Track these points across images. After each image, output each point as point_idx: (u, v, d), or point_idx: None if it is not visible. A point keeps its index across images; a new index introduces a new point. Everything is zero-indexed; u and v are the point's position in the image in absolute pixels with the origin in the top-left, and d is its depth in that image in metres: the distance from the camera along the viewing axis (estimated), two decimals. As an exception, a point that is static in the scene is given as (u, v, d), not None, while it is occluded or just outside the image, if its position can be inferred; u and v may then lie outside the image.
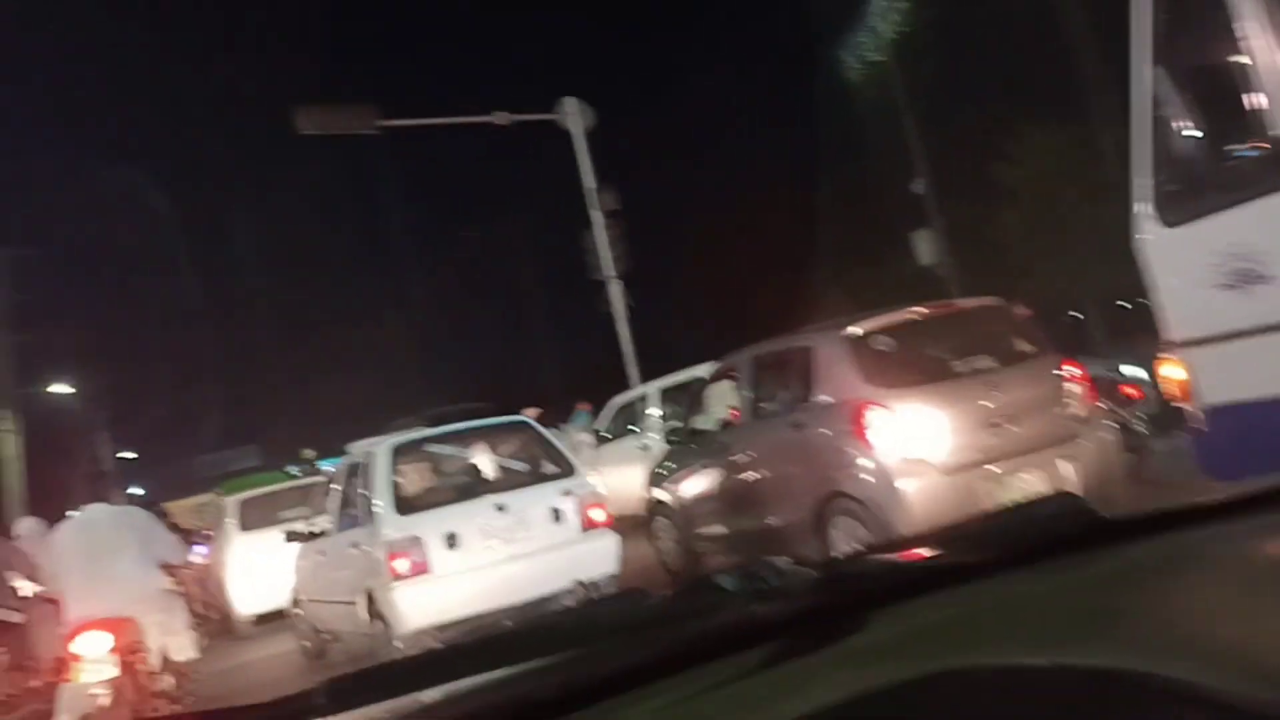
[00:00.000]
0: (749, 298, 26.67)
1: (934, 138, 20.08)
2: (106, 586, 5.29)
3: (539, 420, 13.48)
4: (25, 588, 6.93)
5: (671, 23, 51.65)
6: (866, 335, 6.14)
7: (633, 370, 15.57)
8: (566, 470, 7.40)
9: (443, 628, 6.33)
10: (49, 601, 6.43)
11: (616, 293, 15.54)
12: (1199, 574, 1.12)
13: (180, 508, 21.72)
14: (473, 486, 7.24)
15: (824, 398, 6.19)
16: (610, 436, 12.61)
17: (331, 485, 7.98)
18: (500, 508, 6.86)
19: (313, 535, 7.89)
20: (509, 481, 7.32)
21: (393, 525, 6.60)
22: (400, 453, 7.08)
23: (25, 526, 8.99)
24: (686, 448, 7.98)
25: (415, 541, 6.54)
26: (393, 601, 6.41)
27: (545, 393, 23.20)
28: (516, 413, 10.73)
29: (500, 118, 15.40)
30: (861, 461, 5.81)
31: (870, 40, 20.43)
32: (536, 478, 7.41)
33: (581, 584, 6.74)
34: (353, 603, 6.95)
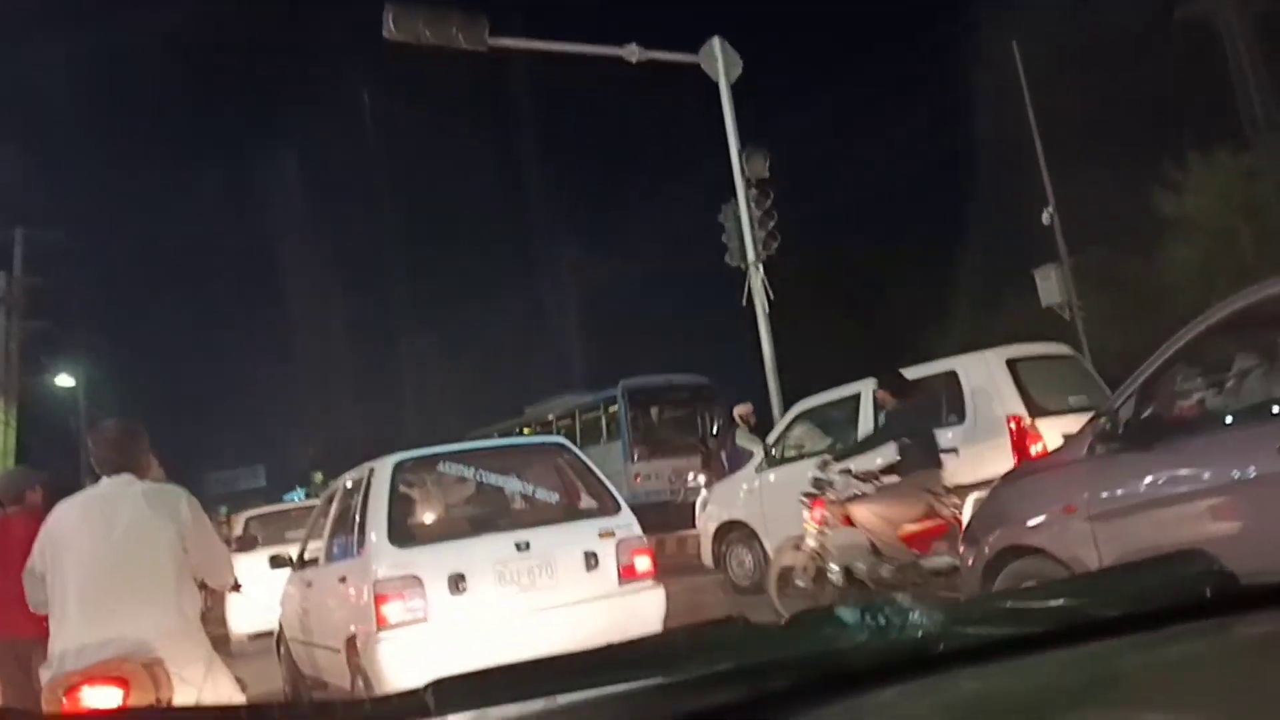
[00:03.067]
0: (839, 321, 25.25)
1: (1069, 163, 17.66)
2: (122, 604, 3.34)
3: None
4: None
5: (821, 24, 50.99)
6: None
7: (772, 379, 12.94)
8: (608, 506, 6.07)
9: None
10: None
11: (758, 282, 13.12)
12: None
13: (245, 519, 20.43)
14: (490, 518, 5.99)
15: None
16: (780, 455, 9.33)
17: (328, 505, 6.76)
18: (522, 546, 5.58)
19: (304, 562, 6.70)
20: (536, 515, 6.05)
21: (386, 560, 5.33)
22: (406, 470, 5.84)
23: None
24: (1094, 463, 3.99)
25: (412, 582, 5.27)
26: (376, 655, 5.14)
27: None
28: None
29: (631, 52, 13.46)
30: None
31: (1006, 53, 18.07)
32: (570, 513, 6.13)
33: None
34: (336, 650, 5.72)
